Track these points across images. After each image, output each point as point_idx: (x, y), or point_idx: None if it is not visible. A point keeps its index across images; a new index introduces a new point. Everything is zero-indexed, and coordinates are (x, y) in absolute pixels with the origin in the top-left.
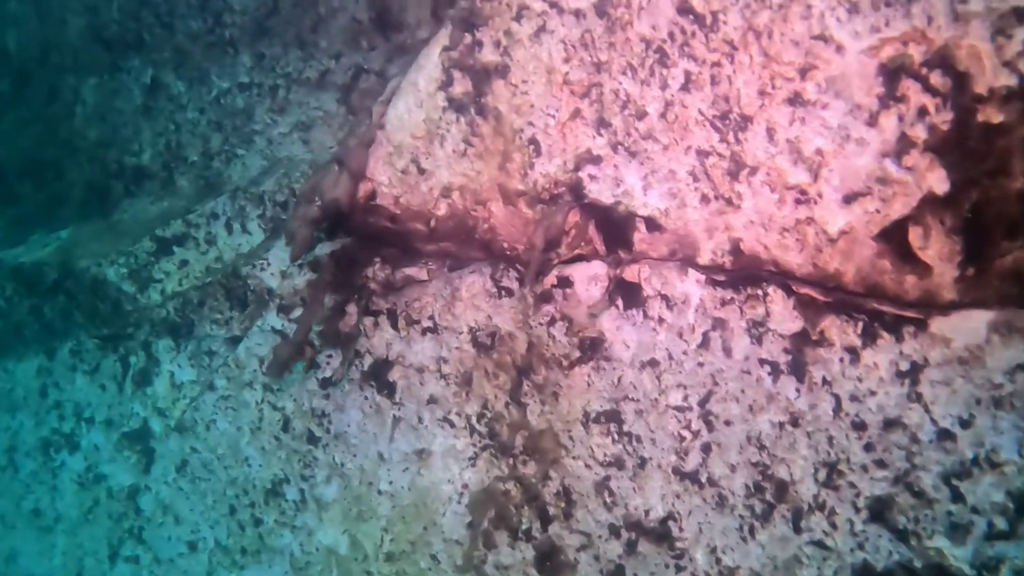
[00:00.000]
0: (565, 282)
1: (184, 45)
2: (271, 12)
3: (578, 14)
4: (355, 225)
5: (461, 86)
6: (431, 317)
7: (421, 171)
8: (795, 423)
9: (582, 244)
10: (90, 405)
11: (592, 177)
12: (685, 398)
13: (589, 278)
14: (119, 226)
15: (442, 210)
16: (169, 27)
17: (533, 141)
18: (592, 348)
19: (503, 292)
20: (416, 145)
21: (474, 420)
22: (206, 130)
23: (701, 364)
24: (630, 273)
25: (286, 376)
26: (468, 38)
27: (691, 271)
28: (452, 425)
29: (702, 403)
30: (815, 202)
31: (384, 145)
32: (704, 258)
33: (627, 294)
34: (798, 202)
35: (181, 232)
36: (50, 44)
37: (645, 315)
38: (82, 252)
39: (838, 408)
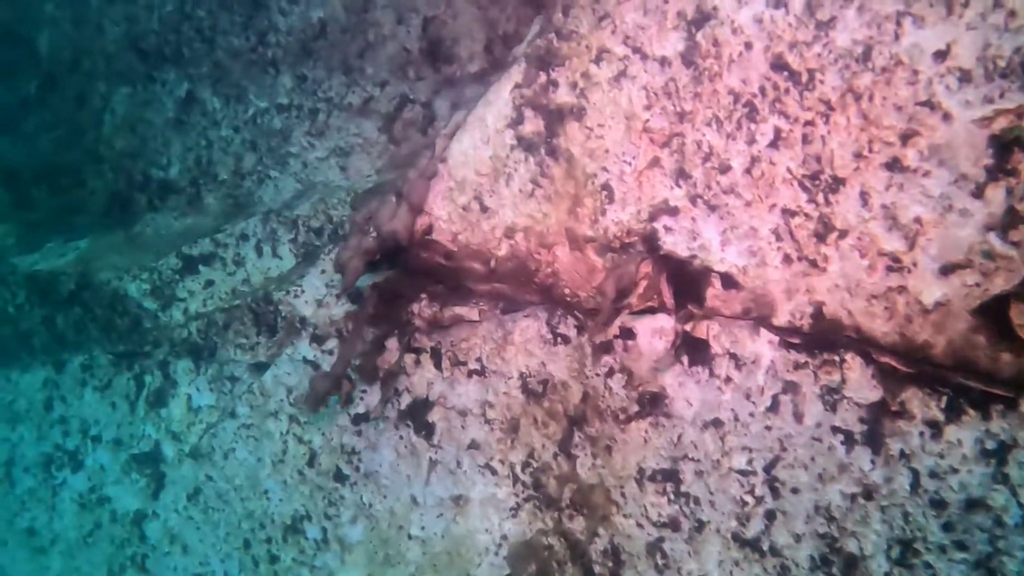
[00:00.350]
0: (627, 333)
1: (224, 61)
2: (318, 35)
3: (663, 62)
4: (407, 259)
5: (532, 125)
6: (479, 359)
7: (484, 209)
8: (868, 496)
9: (654, 297)
10: (98, 423)
11: (668, 228)
12: (750, 462)
13: (653, 331)
14: (141, 240)
15: (503, 250)
16: (210, 42)
17: (606, 187)
18: (652, 403)
19: (559, 339)
20: (480, 182)
21: (518, 469)
22: (239, 149)
23: (769, 428)
24: (698, 329)
25: (321, 410)
26: (543, 77)
27: (763, 331)
28: (494, 472)
29: (768, 468)
30: (909, 271)
31: (445, 179)
32: (781, 319)
33: (693, 350)
34: (890, 269)
35: (208, 251)
36: (83, 50)
37: (711, 373)
38: (102, 264)
39: (916, 484)
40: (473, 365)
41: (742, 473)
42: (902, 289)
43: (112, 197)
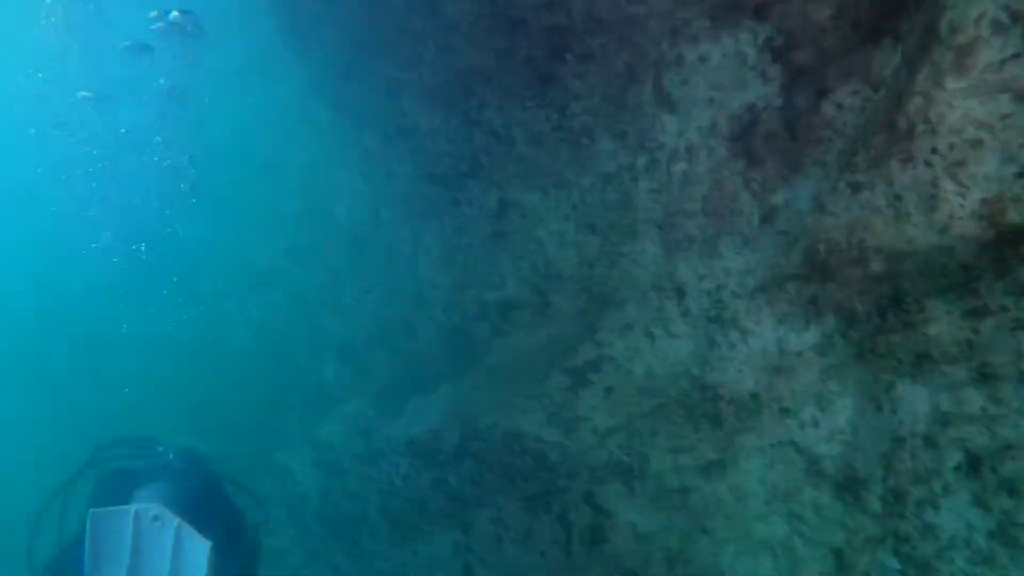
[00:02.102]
0: None
1: (526, 153)
2: (627, 82)
3: None
4: None
5: None
6: None
7: None
8: None
9: None
10: None
11: None
12: None
13: None
14: (502, 370)
15: None
16: (506, 139)
17: None
18: None
19: None
20: None
21: None
22: (576, 237)
23: None
24: None
25: None
26: None
27: None
28: None
29: None
30: None
31: None
32: None
33: None
34: None
35: (593, 356)
36: (379, 201)
37: None
38: (478, 408)
39: None
40: None
41: None
42: None
43: (451, 336)
